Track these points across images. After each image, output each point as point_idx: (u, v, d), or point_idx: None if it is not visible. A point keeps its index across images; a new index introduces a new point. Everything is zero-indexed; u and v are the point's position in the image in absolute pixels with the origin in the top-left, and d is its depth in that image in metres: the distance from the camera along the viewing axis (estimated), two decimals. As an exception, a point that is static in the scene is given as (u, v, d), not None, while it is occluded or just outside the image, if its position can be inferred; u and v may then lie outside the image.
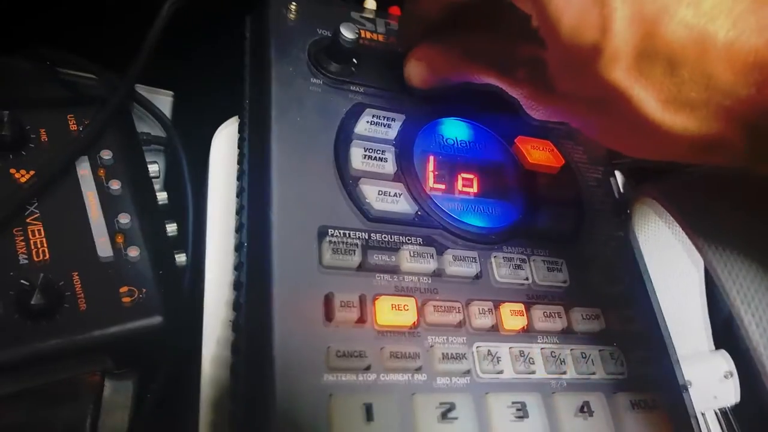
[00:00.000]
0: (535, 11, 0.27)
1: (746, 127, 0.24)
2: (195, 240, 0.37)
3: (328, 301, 0.28)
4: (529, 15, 0.28)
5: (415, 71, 0.35)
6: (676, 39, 0.24)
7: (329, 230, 0.30)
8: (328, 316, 0.28)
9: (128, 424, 0.35)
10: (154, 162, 0.39)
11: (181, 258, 0.37)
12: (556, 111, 0.31)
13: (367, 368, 0.27)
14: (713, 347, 0.43)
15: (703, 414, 0.41)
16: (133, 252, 0.33)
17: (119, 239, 0.33)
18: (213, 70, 0.47)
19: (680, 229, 0.34)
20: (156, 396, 0.35)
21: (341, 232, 0.30)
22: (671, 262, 0.42)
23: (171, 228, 0.38)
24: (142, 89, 0.44)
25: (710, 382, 0.41)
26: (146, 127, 0.43)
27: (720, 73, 0.23)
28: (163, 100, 0.46)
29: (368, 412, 0.26)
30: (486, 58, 0.33)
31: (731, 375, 0.40)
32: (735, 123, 0.24)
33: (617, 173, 0.49)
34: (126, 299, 0.32)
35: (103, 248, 0.33)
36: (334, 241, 0.29)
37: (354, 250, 0.30)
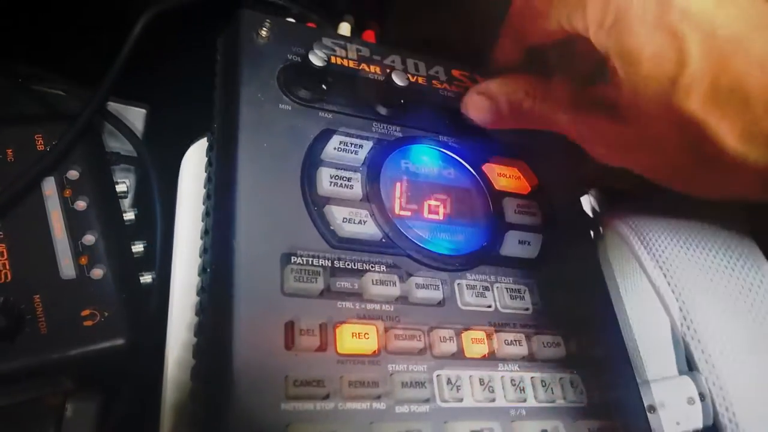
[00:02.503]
0: (615, 48, 0.28)
1: None
2: (162, 260, 0.37)
3: (288, 328, 0.28)
4: (602, 56, 0.29)
5: (477, 105, 0.37)
6: (749, 76, 0.25)
7: (292, 257, 0.30)
8: (287, 344, 0.28)
9: (90, 445, 0.35)
10: (124, 180, 0.39)
11: (148, 278, 0.37)
12: (619, 149, 0.32)
13: (326, 397, 0.27)
14: (686, 369, 0.43)
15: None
16: (97, 273, 0.33)
17: (83, 260, 0.33)
18: (188, 86, 0.47)
19: (643, 255, 0.34)
20: (118, 418, 0.35)
21: (304, 259, 0.30)
22: (640, 285, 0.43)
23: (139, 248, 0.38)
24: (115, 104, 0.44)
25: (678, 405, 0.41)
26: (117, 143, 0.43)
27: None
28: (137, 114, 0.45)
29: (325, 442, 0.26)
30: (559, 100, 0.34)
31: (702, 398, 0.40)
32: None
33: (591, 195, 0.50)
34: (88, 322, 0.31)
35: (67, 269, 0.32)
36: (297, 268, 0.29)
37: (317, 277, 0.30)
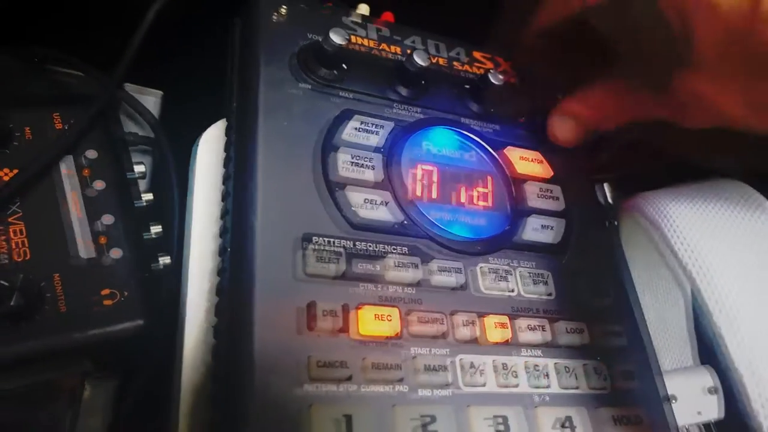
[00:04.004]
0: (691, 4, 0.28)
1: None
2: (179, 242, 0.37)
3: (310, 309, 0.28)
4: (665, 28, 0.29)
5: (563, 127, 0.37)
6: None
7: (313, 237, 0.30)
8: (310, 324, 0.27)
9: (107, 427, 0.35)
10: (141, 162, 0.39)
11: (164, 260, 0.36)
12: (713, 104, 0.31)
13: (348, 378, 0.27)
14: (698, 362, 0.43)
15: (687, 429, 0.41)
16: (115, 254, 0.32)
17: (102, 240, 0.33)
18: (202, 71, 0.47)
19: (665, 245, 0.34)
20: (135, 399, 0.35)
21: (325, 239, 0.30)
22: (657, 276, 0.42)
23: (156, 230, 0.38)
24: (131, 88, 0.44)
25: (694, 396, 0.40)
26: (134, 126, 0.43)
27: None
28: (152, 100, 0.45)
29: (348, 424, 0.26)
30: (635, 90, 0.34)
31: (715, 390, 0.40)
32: None
33: (605, 185, 0.49)
34: (107, 302, 0.31)
35: (85, 249, 0.32)
36: (318, 249, 0.29)
37: (337, 259, 0.29)
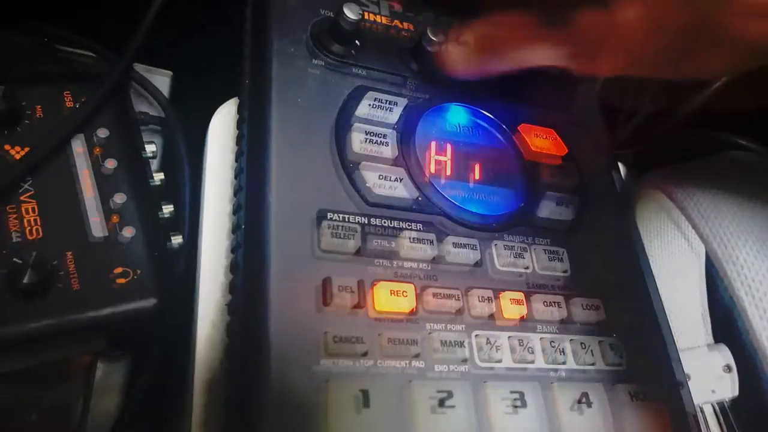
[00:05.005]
0: None
1: None
2: (191, 222, 0.37)
3: (325, 285, 0.27)
4: None
5: (453, 54, 0.33)
6: None
7: (328, 213, 0.29)
8: (326, 300, 0.27)
9: (120, 406, 0.35)
10: (152, 142, 0.38)
11: (177, 240, 0.36)
12: (621, 50, 0.29)
13: (365, 354, 0.27)
14: (712, 341, 0.42)
15: (701, 407, 0.41)
16: (128, 232, 0.32)
17: (114, 219, 0.32)
18: (214, 50, 0.47)
19: (682, 219, 0.33)
20: (149, 379, 0.35)
21: (340, 216, 0.30)
22: (672, 254, 0.42)
23: (167, 209, 0.38)
24: (141, 69, 0.44)
25: (708, 375, 0.40)
26: (145, 106, 0.42)
27: None
28: (162, 80, 0.45)
29: (365, 399, 0.26)
30: (537, 21, 0.30)
31: (730, 369, 0.40)
32: None
33: (620, 164, 0.49)
34: (120, 280, 0.31)
35: (98, 228, 0.32)
36: (333, 225, 0.29)
37: (353, 235, 0.29)
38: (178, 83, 0.46)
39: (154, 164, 0.40)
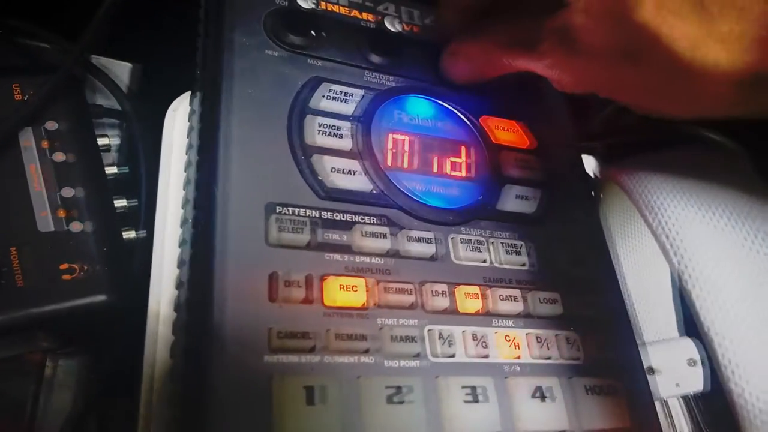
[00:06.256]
0: None
1: None
2: (148, 216, 0.36)
3: (272, 280, 0.27)
4: None
5: (451, 67, 0.36)
6: None
7: (277, 207, 0.29)
8: (272, 295, 0.27)
9: (73, 404, 0.34)
10: (106, 134, 0.38)
11: (132, 234, 0.36)
12: (586, 75, 0.30)
13: (312, 349, 0.26)
14: (683, 333, 0.42)
15: (665, 401, 0.41)
16: (76, 227, 0.32)
17: (61, 213, 0.32)
18: (181, 41, 0.46)
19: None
20: (105, 375, 0.35)
21: (290, 209, 0.29)
22: (641, 246, 0.42)
23: (124, 203, 0.37)
24: (103, 61, 0.43)
25: (673, 369, 0.40)
26: (105, 98, 0.42)
27: (753, 4, 0.23)
28: (123, 71, 0.44)
29: (309, 395, 0.25)
30: (509, 40, 0.33)
31: (695, 363, 0.39)
32: None
33: (590, 157, 0.49)
34: (66, 276, 0.30)
35: (44, 223, 0.31)
36: (281, 218, 0.28)
37: (303, 228, 0.28)
38: (146, 74, 0.45)
39: (115, 157, 0.39)
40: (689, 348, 0.40)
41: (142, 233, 0.36)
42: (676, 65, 0.26)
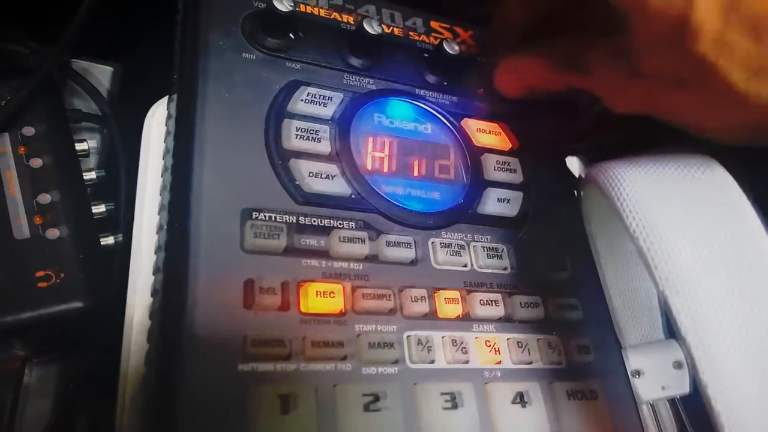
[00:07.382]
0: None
1: None
2: (127, 222, 0.36)
3: (247, 287, 0.27)
4: (611, 6, 0.29)
5: (504, 83, 0.37)
6: (760, 7, 0.25)
7: (253, 212, 0.28)
8: (247, 302, 0.26)
9: (54, 410, 0.34)
10: (84, 139, 0.37)
11: (110, 240, 0.35)
12: (638, 97, 0.32)
13: (287, 357, 0.26)
14: (668, 336, 0.42)
15: (652, 404, 0.40)
16: (53, 233, 0.31)
17: (38, 220, 0.31)
18: (164, 44, 0.46)
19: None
20: (83, 382, 0.34)
21: (267, 215, 0.29)
22: (624, 248, 0.41)
23: (106, 208, 0.36)
24: (83, 64, 0.42)
25: (660, 371, 0.40)
26: (84, 102, 0.41)
27: None
28: (104, 75, 0.44)
29: (285, 404, 0.25)
30: (565, 60, 0.34)
31: (680, 366, 0.39)
32: None
33: (575, 159, 0.48)
34: (42, 283, 0.30)
35: (20, 229, 0.31)
36: (258, 224, 0.28)
37: (279, 234, 0.28)
38: (126, 77, 0.45)
39: (94, 162, 0.39)
40: (674, 350, 0.40)
41: (121, 238, 0.36)
42: (730, 95, 0.27)
